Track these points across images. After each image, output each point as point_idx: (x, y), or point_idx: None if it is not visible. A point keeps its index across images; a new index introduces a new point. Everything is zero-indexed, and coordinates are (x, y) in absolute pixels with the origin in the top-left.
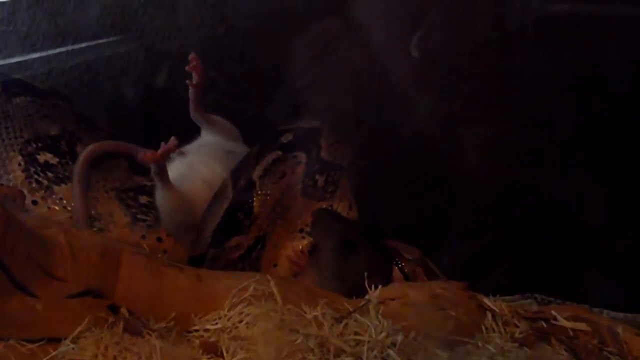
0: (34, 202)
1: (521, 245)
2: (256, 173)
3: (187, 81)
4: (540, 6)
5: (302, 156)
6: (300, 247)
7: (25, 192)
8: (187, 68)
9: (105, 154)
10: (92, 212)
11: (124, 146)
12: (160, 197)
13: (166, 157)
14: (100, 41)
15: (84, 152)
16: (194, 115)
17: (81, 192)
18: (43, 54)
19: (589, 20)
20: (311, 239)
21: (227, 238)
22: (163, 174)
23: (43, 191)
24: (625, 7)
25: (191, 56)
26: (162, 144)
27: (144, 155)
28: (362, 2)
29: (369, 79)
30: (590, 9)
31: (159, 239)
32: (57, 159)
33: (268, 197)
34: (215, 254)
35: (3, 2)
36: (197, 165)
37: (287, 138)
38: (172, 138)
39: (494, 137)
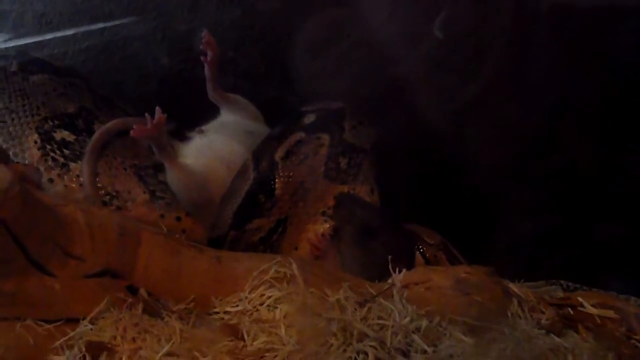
0: (50, 180)
1: (545, 230)
2: (278, 154)
3: (201, 57)
4: None
5: (325, 138)
6: (322, 230)
7: (42, 169)
8: (201, 46)
9: (121, 131)
10: (110, 189)
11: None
12: (169, 175)
13: (156, 131)
14: (117, 21)
15: (100, 130)
16: (212, 94)
17: (91, 168)
18: (59, 34)
19: (607, 6)
20: (333, 223)
21: (248, 220)
22: (163, 150)
23: (59, 169)
24: None
25: (204, 33)
26: (147, 117)
27: (134, 131)
28: None
29: (389, 61)
30: None
31: (178, 218)
32: (74, 137)
33: (290, 179)
34: (236, 236)
35: None
36: (216, 144)
37: (309, 119)
38: (157, 109)
39: (515, 121)
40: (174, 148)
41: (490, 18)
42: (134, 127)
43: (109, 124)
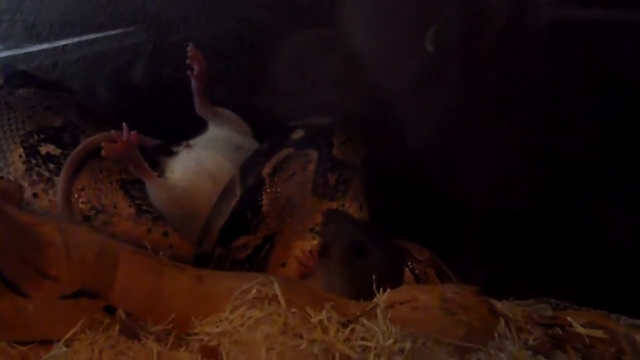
0: (35, 195)
1: (536, 247)
2: (266, 170)
3: (188, 72)
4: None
5: (313, 154)
6: (310, 247)
7: (26, 184)
8: (187, 60)
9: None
10: (95, 203)
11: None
12: (150, 191)
13: (127, 149)
14: (108, 32)
15: (83, 143)
16: (199, 109)
17: (66, 182)
18: (49, 45)
19: (605, 22)
20: (321, 240)
21: (234, 237)
22: (139, 167)
23: (44, 183)
24: None
25: (189, 47)
26: (114, 133)
27: (104, 150)
28: None
29: (380, 75)
30: (608, 11)
31: (165, 234)
32: (60, 150)
33: (278, 196)
34: (222, 253)
35: None
36: (203, 159)
37: (298, 134)
38: (124, 126)
39: (508, 138)
40: (160, 163)
41: (483, 32)
42: (103, 146)
43: (92, 138)
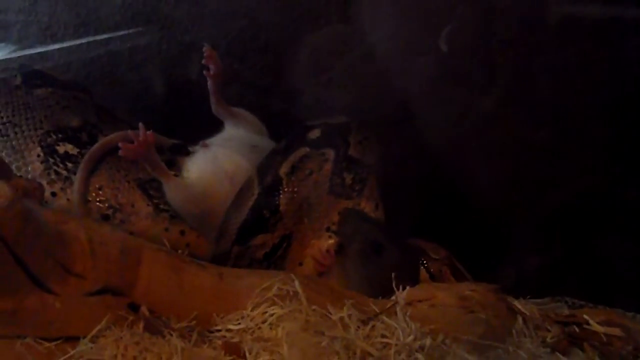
0: (53, 194)
1: (551, 245)
2: (283, 170)
3: (204, 72)
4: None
5: (330, 153)
6: (326, 246)
7: (44, 183)
8: (203, 61)
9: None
10: (113, 202)
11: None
12: (167, 191)
13: (143, 150)
14: (122, 32)
15: (100, 142)
16: (215, 108)
17: (83, 180)
18: (64, 44)
19: (615, 18)
20: (337, 239)
21: (252, 236)
22: (156, 167)
23: (62, 182)
24: None
25: (205, 47)
26: (130, 133)
27: (121, 151)
28: None
29: (395, 75)
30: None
31: (182, 232)
32: (78, 150)
33: (295, 195)
34: (240, 252)
35: None
36: (220, 158)
37: (314, 134)
38: (141, 126)
39: (520, 136)
40: (177, 163)
41: (496, 31)
42: (121, 146)
43: (108, 138)
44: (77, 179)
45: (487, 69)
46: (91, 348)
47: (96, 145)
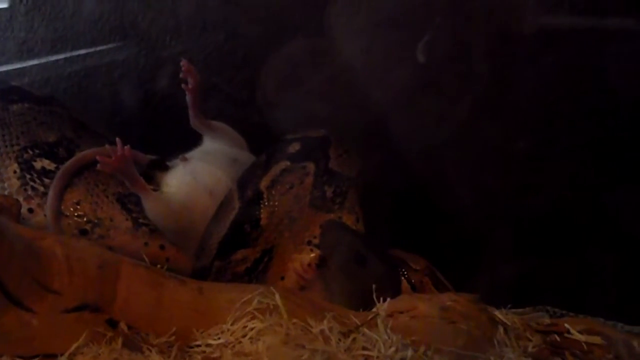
0: (30, 211)
1: (530, 254)
2: (263, 183)
3: (182, 85)
4: (543, 14)
5: (310, 166)
6: (308, 260)
7: (21, 199)
8: (181, 75)
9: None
10: (92, 216)
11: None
12: (145, 205)
13: (121, 164)
14: (100, 47)
15: (75, 157)
16: (194, 122)
17: (56, 195)
18: (41, 60)
19: (591, 29)
20: (319, 252)
21: (233, 250)
22: (134, 181)
23: (39, 198)
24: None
25: (182, 62)
26: (108, 148)
27: (100, 165)
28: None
29: (372, 87)
30: (594, 19)
31: (162, 247)
32: (55, 165)
33: (276, 209)
34: (221, 267)
35: (0, 8)
36: (199, 172)
37: (295, 148)
38: (118, 141)
39: (500, 144)
40: (155, 178)
41: (474, 42)
42: (99, 160)
43: (82, 154)
44: (50, 195)
45: (464, 79)
46: None
47: (70, 161)
